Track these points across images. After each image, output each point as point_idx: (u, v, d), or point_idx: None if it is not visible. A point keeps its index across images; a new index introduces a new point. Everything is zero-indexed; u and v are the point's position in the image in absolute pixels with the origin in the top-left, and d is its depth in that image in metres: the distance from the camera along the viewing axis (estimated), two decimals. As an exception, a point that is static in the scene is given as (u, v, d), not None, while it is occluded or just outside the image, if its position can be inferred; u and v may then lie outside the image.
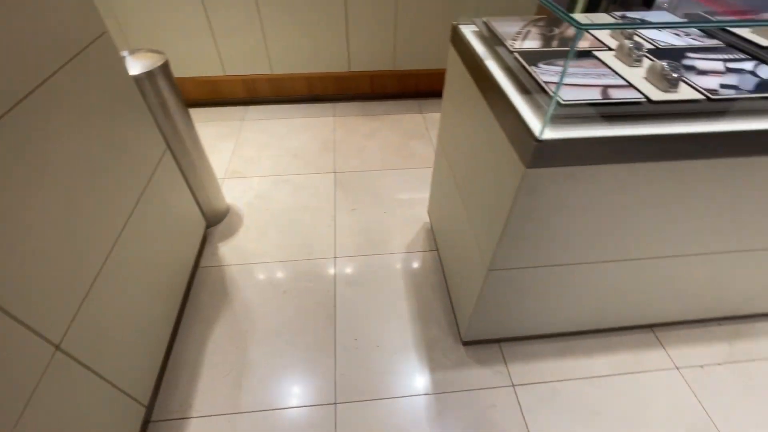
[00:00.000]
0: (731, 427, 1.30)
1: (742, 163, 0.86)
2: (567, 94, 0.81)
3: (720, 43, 1.06)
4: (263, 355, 1.47)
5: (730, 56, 0.98)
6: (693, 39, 1.08)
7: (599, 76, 0.88)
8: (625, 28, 1.07)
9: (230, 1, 2.36)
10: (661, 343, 1.52)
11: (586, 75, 0.88)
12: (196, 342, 1.51)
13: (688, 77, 0.88)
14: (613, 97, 0.81)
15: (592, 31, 1.11)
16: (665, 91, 0.84)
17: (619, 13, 1.20)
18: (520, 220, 0.92)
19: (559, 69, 0.90)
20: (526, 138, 0.79)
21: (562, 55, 0.96)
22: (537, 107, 0.83)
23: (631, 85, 0.86)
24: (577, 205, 0.90)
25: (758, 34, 1.11)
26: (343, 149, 2.48)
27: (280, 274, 1.75)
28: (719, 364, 1.46)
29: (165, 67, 1.45)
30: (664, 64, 0.83)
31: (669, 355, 1.48)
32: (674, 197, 0.91)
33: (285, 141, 2.57)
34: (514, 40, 1.04)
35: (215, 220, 1.96)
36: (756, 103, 0.83)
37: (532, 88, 0.87)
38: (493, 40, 1.09)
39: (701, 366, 1.45)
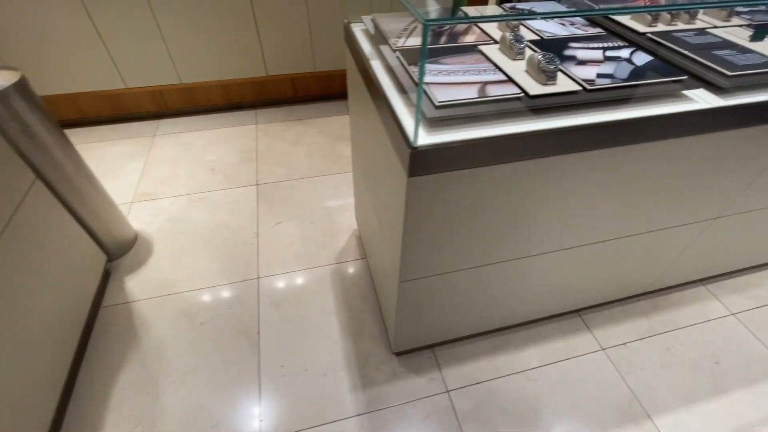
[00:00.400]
0: (653, 400, 1.35)
1: (624, 151, 0.85)
2: (443, 94, 0.76)
3: (601, 31, 1.06)
4: (178, 399, 1.32)
5: (609, 44, 0.98)
6: (577, 28, 1.07)
7: (480, 72, 0.84)
8: (479, 22, 1.03)
9: (120, 9, 2.13)
10: (587, 327, 1.55)
11: (466, 72, 0.83)
12: (98, 395, 1.33)
13: (568, 68, 0.87)
14: (492, 94, 0.77)
15: (481, 24, 1.08)
16: (543, 84, 0.81)
17: (509, 5, 1.18)
18: (415, 229, 0.86)
19: (441, 67, 0.85)
20: (403, 145, 0.73)
21: (445, 52, 0.91)
22: (426, 108, 0.77)
23: (511, 80, 0.83)
24: (471, 208, 0.85)
25: (637, 21, 1.13)
26: (266, 158, 2.34)
27: (196, 305, 1.59)
28: (640, 339, 1.52)
29: (21, 86, 1.25)
30: (540, 56, 0.80)
31: (595, 338, 1.52)
32: (566, 190, 0.89)
33: (202, 154, 2.39)
34: (399, 37, 0.98)
35: (120, 252, 1.76)
36: (630, 90, 0.82)
37: (410, 90, 0.81)
38: (379, 38, 1.02)
39: (624, 344, 1.50)
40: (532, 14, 0.98)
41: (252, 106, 2.77)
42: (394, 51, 0.94)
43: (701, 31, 1.08)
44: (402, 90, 0.83)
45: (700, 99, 0.87)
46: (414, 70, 0.84)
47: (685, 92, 0.88)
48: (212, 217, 1.97)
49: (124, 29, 2.21)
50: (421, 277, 1.01)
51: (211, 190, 2.13)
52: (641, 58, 0.91)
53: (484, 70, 0.85)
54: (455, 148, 0.72)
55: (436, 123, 0.76)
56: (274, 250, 1.81)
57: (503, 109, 0.77)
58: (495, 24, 1.08)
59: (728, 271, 1.69)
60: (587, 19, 1.13)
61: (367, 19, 1.13)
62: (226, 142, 2.46)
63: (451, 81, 0.80)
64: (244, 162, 2.31)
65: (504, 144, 0.75)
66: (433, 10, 0.85)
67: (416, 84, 0.82)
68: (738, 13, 1.20)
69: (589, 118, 0.79)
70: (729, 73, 0.87)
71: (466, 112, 0.75)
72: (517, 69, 0.87)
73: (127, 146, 2.42)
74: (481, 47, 0.96)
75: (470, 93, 0.77)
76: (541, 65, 0.79)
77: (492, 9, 1.15)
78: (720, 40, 1.03)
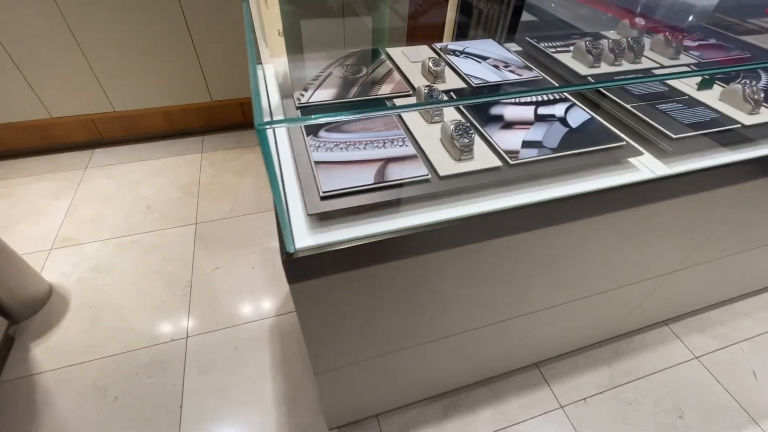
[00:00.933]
0: (614, 468, 1.24)
1: (557, 229, 0.73)
2: (330, 181, 0.62)
3: (538, 74, 0.95)
4: (77, 499, 1.14)
5: (543, 96, 0.86)
6: (511, 71, 0.95)
7: (385, 143, 0.70)
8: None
9: (37, 36, 1.93)
10: (546, 381, 1.43)
11: (368, 144, 0.69)
12: (-21, 501, 1.13)
13: (491, 134, 0.74)
14: (392, 176, 0.63)
15: (404, 65, 0.95)
16: (458, 159, 0.68)
17: (440, 45, 1.05)
18: (313, 329, 0.72)
19: (340, 137, 0.71)
20: (281, 248, 0.58)
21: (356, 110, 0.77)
22: (304, 201, 0.63)
23: (422, 153, 0.69)
24: (378, 303, 0.72)
25: (579, 61, 1.02)
26: (209, 192, 2.16)
27: (112, 374, 1.40)
28: (601, 393, 1.41)
29: None
30: (452, 127, 0.67)
31: (554, 393, 1.40)
32: (493, 274, 0.77)
33: (137, 190, 2.18)
34: (306, 90, 0.83)
35: (27, 312, 1.55)
36: (561, 163, 0.70)
37: (303, 168, 0.67)
38: (285, 87, 0.88)
39: (584, 399, 1.39)
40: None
41: (199, 132, 2.58)
42: (297, 108, 0.80)
43: (646, 74, 0.98)
44: (297, 168, 0.69)
45: (643, 166, 0.75)
46: (310, 142, 0.70)
47: (628, 159, 0.76)
48: (142, 264, 1.78)
49: (43, 57, 2.00)
50: (336, 368, 0.87)
51: (144, 231, 1.93)
52: (578, 117, 0.80)
53: (392, 141, 0.71)
54: (344, 250, 0.58)
55: (324, 218, 0.61)
56: (208, 302, 1.64)
57: (406, 196, 0.63)
58: (419, 65, 0.95)
59: (691, 310, 1.61)
60: (522, 59, 1.01)
61: (279, 60, 0.98)
62: (166, 175, 2.26)
63: (346, 159, 0.66)
64: (184, 197, 2.12)
65: (407, 240, 0.61)
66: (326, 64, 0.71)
67: (310, 162, 0.67)
68: (686, 48, 1.11)
69: (513, 199, 0.66)
70: (673, 136, 0.76)
71: (357, 202, 0.61)
72: (433, 136, 0.74)
73: (54, 181, 2.20)
74: (397, 102, 0.83)
75: (365, 176, 0.63)
76: (454, 138, 0.66)
77: (423, 51, 1.02)
78: (666, 88, 0.93)
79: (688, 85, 0.96)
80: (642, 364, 1.49)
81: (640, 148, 0.77)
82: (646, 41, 1.11)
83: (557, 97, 0.86)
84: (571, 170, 0.72)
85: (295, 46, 1.11)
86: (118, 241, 1.88)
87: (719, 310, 1.67)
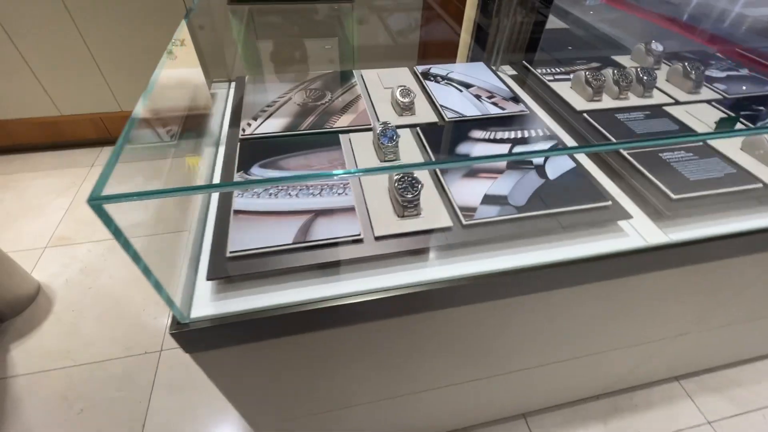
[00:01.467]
0: None
1: (519, 300, 0.62)
2: (241, 238, 0.54)
3: (524, 109, 0.83)
4: None
5: (523, 134, 0.75)
6: (494, 103, 0.84)
7: (322, 190, 0.61)
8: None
9: (47, 37, 1.96)
10: (531, 434, 1.31)
11: (301, 191, 0.61)
12: (-65, 507, 1.12)
13: (449, 184, 0.63)
14: (316, 235, 0.54)
15: (373, 89, 0.85)
16: (400, 215, 0.58)
17: (422, 68, 0.95)
18: (237, 393, 0.64)
19: (274, 173, 0.62)
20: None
21: (296, 147, 0.69)
22: (214, 256, 0.55)
23: (362, 206, 0.60)
24: (310, 368, 0.63)
25: (577, 92, 0.89)
26: (205, 198, 2.12)
27: (81, 385, 1.38)
28: (592, 454, 1.27)
29: None
30: (396, 179, 0.57)
31: (538, 451, 1.27)
32: (436, 343, 0.66)
33: (140, 189, 2.18)
34: (255, 118, 0.76)
35: (12, 311, 1.56)
36: (524, 226, 0.59)
37: (220, 222, 0.59)
38: (236, 113, 0.80)
39: (572, 461, 1.25)
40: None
41: (204, 134, 2.57)
42: (240, 140, 0.72)
43: (656, 111, 0.84)
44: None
45: (633, 231, 0.63)
46: (240, 177, 0.62)
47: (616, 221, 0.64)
48: (129, 269, 1.76)
49: (53, 57, 2.03)
50: (279, 428, 0.79)
51: (137, 235, 1.92)
52: (559, 165, 0.68)
53: (331, 186, 0.62)
54: (252, 321, 0.50)
55: (232, 280, 0.53)
56: (187, 314, 1.60)
57: (331, 260, 0.54)
58: (397, 89, 0.84)
59: (707, 368, 1.44)
60: (511, 88, 0.89)
61: (241, 79, 0.91)
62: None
63: (270, 209, 0.57)
64: (181, 201, 2.10)
65: (331, 312, 0.52)
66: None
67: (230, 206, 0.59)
68: (710, 80, 0.96)
69: (464, 266, 0.56)
70: (674, 196, 0.64)
71: (271, 265, 0.52)
72: (382, 182, 0.64)
73: (59, 178, 2.23)
74: (353, 138, 0.73)
75: (285, 234, 0.54)
76: (396, 192, 0.56)
77: (400, 76, 0.92)
78: (676, 128, 0.79)
79: (702, 122, 0.81)
80: (642, 424, 1.34)
81: (629, 210, 0.64)
82: (663, 70, 0.97)
83: (540, 133, 0.75)
84: (541, 233, 0.60)
85: (259, 64, 1.05)
86: (110, 243, 1.87)
87: (739, 369, 1.48)
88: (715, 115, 0.84)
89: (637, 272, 0.64)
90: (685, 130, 0.78)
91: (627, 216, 0.62)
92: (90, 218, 1.98)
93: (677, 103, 0.88)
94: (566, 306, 0.67)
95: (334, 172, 0.62)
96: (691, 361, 1.32)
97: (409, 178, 0.57)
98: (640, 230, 0.63)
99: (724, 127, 0.78)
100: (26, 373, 1.41)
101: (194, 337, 0.50)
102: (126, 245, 0.40)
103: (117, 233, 0.38)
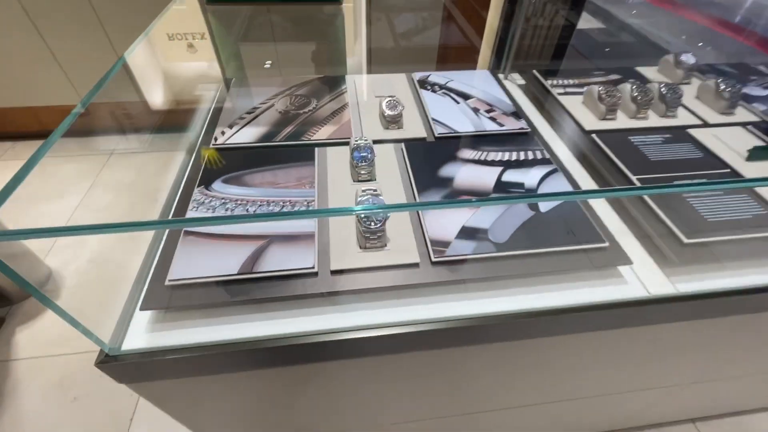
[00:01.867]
0: None
1: (488, 348, 0.55)
2: (186, 265, 0.49)
3: (524, 126, 0.75)
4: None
5: (516, 156, 0.67)
6: (492, 119, 0.76)
7: (283, 209, 0.56)
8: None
9: (72, 31, 2.02)
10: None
11: (261, 208, 0.56)
12: (-68, 482, 1.17)
13: (424, 217, 0.57)
14: (265, 265, 0.49)
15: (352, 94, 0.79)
16: (363, 247, 0.52)
17: (421, 75, 0.88)
18: (190, 419, 0.61)
19: (238, 193, 0.58)
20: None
21: (273, 161, 0.64)
22: (153, 283, 0.51)
23: (323, 232, 0.55)
24: (264, 403, 0.59)
25: (590, 108, 0.80)
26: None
27: (78, 373, 1.41)
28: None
29: None
30: (363, 215, 0.51)
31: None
32: (406, 382, 0.60)
33: (156, 178, 2.21)
34: (231, 126, 0.72)
35: (22, 295, 1.61)
36: (499, 266, 0.52)
37: (168, 243, 0.55)
38: (215, 119, 0.76)
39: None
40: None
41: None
42: (210, 146, 0.68)
43: (678, 134, 0.74)
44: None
45: (634, 278, 0.55)
46: (196, 197, 0.58)
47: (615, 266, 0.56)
48: (137, 260, 1.79)
49: (76, 48, 2.09)
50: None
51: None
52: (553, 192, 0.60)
53: (294, 205, 0.57)
54: (181, 359, 0.46)
55: (173, 310, 0.49)
56: (185, 309, 1.60)
57: (280, 295, 0.49)
58: (384, 100, 0.78)
59: (727, 412, 1.31)
60: (515, 100, 0.81)
61: (235, 80, 0.87)
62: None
63: (222, 231, 0.53)
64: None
65: (281, 351, 0.47)
66: None
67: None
68: (747, 98, 0.84)
69: (433, 308, 0.50)
70: (685, 240, 0.55)
71: (212, 297, 0.48)
72: (351, 203, 0.59)
73: (81, 163, 2.30)
74: (330, 153, 0.68)
75: (231, 262, 0.49)
76: (361, 220, 0.50)
77: (395, 83, 0.86)
78: (700, 155, 0.69)
79: (732, 149, 0.70)
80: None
81: (632, 252, 0.56)
82: (695, 85, 0.86)
83: (538, 156, 0.67)
84: (522, 275, 0.53)
85: (245, 68, 1.00)
86: (119, 235, 1.90)
87: (764, 416, 1.34)
88: (749, 141, 0.73)
89: (637, 324, 0.56)
90: (709, 158, 0.68)
91: (626, 261, 0.54)
92: (105, 205, 2.02)
93: (705, 125, 0.77)
94: (551, 354, 0.60)
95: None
96: (708, 405, 1.20)
97: (374, 201, 0.51)
98: (642, 276, 0.55)
99: (758, 157, 0.68)
100: (27, 358, 1.45)
101: (121, 371, 0.46)
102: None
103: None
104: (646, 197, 0.61)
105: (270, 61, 1.22)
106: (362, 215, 0.50)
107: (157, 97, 1.81)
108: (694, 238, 0.55)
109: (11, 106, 2.29)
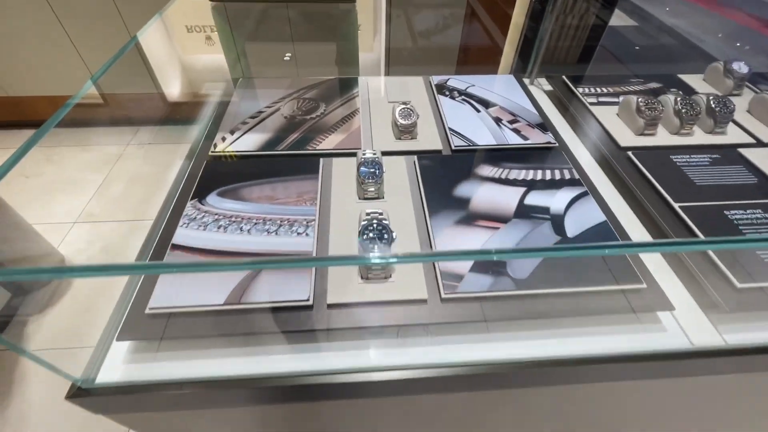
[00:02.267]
0: None
1: (498, 395, 0.49)
2: (167, 292, 0.45)
3: (551, 140, 0.67)
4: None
5: (542, 176, 0.60)
6: (515, 131, 0.69)
7: (280, 227, 0.51)
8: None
9: (92, 21, 2.02)
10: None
11: (256, 226, 0.51)
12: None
13: (436, 231, 0.51)
14: (255, 296, 0.44)
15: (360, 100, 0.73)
16: (365, 278, 0.46)
17: (438, 79, 0.82)
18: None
19: (234, 208, 0.53)
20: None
21: (274, 172, 0.59)
22: (134, 309, 0.47)
23: (322, 258, 0.49)
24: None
25: (627, 122, 0.72)
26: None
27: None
28: None
29: None
30: (362, 227, 0.45)
31: None
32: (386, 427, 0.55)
33: (170, 171, 2.21)
34: (233, 132, 0.67)
35: (34, 284, 1.62)
36: (518, 306, 0.46)
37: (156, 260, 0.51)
38: (217, 122, 0.72)
39: None
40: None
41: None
42: (208, 157, 0.64)
43: (728, 154, 0.65)
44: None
45: (674, 325, 0.48)
46: (188, 212, 0.54)
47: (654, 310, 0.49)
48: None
49: (96, 39, 2.10)
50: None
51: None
52: (583, 219, 0.53)
53: (292, 224, 0.52)
54: (159, 395, 0.42)
55: (160, 340, 0.45)
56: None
57: (271, 331, 0.44)
58: (398, 108, 0.72)
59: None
60: (542, 109, 0.74)
61: (244, 81, 0.82)
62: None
63: (211, 247, 0.48)
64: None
65: (272, 391, 0.42)
66: None
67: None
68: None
69: (440, 350, 0.44)
70: (738, 285, 0.47)
71: (191, 332, 0.43)
72: (354, 224, 0.53)
73: (97, 154, 2.32)
74: (337, 164, 0.62)
75: (219, 290, 0.44)
76: (362, 245, 0.45)
77: (411, 87, 0.79)
78: (754, 180, 0.61)
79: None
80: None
81: (674, 295, 0.48)
82: (746, 96, 0.77)
83: (565, 176, 0.60)
84: (546, 316, 0.47)
85: (254, 66, 0.94)
86: (133, 225, 1.91)
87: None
88: (811, 165, 0.64)
89: (674, 376, 0.49)
90: (765, 183, 0.60)
91: (668, 306, 0.47)
92: (117, 197, 2.03)
93: (759, 144, 0.68)
94: (572, 402, 0.54)
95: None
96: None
97: (378, 227, 0.45)
98: (684, 324, 0.48)
99: (823, 185, 0.59)
100: (36, 349, 1.46)
101: (94, 404, 0.42)
102: None
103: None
104: (694, 227, 0.53)
105: (289, 54, 1.17)
106: (366, 238, 0.44)
107: (166, 89, 1.79)
108: (749, 283, 0.47)
109: (32, 95, 2.32)
